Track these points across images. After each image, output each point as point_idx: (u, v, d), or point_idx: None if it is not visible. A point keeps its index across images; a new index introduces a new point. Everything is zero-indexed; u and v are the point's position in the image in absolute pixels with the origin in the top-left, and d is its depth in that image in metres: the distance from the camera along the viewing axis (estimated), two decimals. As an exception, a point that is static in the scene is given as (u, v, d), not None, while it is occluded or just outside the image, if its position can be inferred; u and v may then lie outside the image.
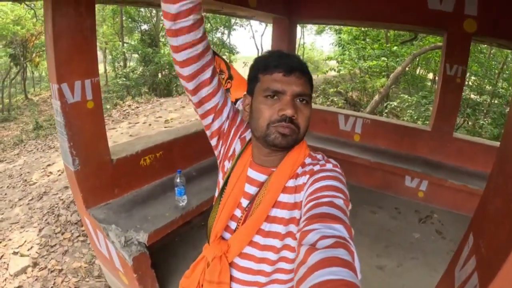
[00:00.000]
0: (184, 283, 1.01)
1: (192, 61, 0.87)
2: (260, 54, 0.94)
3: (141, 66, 12.46)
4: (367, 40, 10.18)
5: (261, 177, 0.89)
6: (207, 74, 0.91)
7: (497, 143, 3.76)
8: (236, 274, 0.91)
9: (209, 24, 15.64)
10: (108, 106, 9.18)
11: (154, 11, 13.51)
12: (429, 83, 13.09)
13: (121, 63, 13.61)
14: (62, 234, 3.22)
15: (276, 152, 0.86)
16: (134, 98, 10.32)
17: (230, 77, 3.17)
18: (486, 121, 7.30)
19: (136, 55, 13.29)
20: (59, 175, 4.63)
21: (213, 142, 1.02)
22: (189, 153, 3.00)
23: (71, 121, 1.93)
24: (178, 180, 2.31)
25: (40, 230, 3.30)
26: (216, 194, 0.97)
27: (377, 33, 10.15)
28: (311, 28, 16.31)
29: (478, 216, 1.19)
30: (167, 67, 12.71)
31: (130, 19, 13.33)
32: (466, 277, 1.03)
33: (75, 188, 2.10)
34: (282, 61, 0.82)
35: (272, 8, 3.70)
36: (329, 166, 0.85)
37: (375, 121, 4.07)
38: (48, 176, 4.67)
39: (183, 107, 8.25)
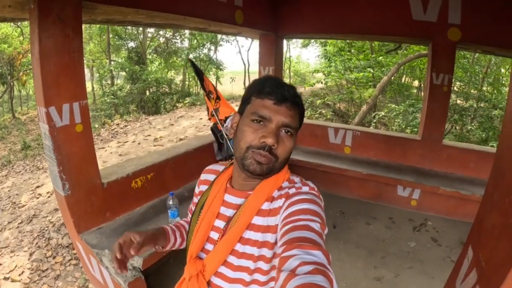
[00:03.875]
0: None
1: None
2: (256, 77, 0.97)
3: (128, 84, 12.41)
4: (352, 51, 10.35)
5: (238, 201, 0.91)
6: None
7: (486, 148, 3.83)
8: None
9: (195, 41, 15.74)
10: (96, 125, 9.11)
11: (140, 29, 13.54)
12: (414, 91, 13.33)
13: (109, 81, 13.53)
14: (54, 258, 3.16)
15: (252, 178, 0.87)
16: (122, 117, 10.24)
17: (218, 98, 3.24)
18: (474, 126, 7.42)
19: (123, 73, 13.24)
20: (48, 197, 4.55)
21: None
22: (180, 174, 2.99)
23: (60, 145, 1.89)
24: (170, 202, 2.29)
25: (31, 254, 3.23)
26: (189, 218, 1.06)
27: (362, 44, 10.35)
28: (296, 42, 16.56)
29: (476, 229, 1.20)
30: (155, 84, 12.70)
31: (117, 37, 13.33)
32: (468, 290, 1.03)
33: (66, 213, 2.05)
34: (277, 89, 0.82)
35: (258, 25, 3.74)
36: (305, 188, 0.85)
37: (365, 133, 4.10)
38: (37, 198, 4.58)
39: (172, 124, 8.24)
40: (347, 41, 10.12)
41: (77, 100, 1.92)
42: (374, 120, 9.21)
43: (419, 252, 2.95)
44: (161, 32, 14.45)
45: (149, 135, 7.29)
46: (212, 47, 16.95)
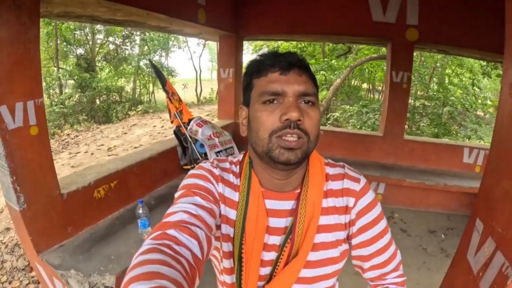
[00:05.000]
0: None
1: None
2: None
3: (77, 93, 11.68)
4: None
5: (287, 205, 0.76)
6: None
7: (445, 140, 4.04)
8: None
9: (146, 47, 15.28)
10: (44, 137, 8.46)
11: (90, 35, 12.89)
12: (364, 92, 14.00)
13: (57, 90, 12.60)
14: (10, 283, 2.84)
15: (289, 171, 0.72)
16: (72, 127, 9.73)
17: (180, 100, 3.16)
18: (426, 123, 7.91)
19: (71, 81, 12.44)
20: (-1, 214, 4.08)
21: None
22: (145, 181, 2.82)
23: (12, 151, 1.65)
24: (140, 211, 2.14)
25: (-16, 281, 2.87)
26: (225, 247, 0.77)
27: (313, 48, 10.64)
28: (247, 48, 16.63)
29: (482, 202, 1.27)
30: (105, 92, 12.13)
31: (65, 43, 12.50)
32: (487, 259, 1.10)
33: (22, 231, 1.79)
34: (277, 58, 0.69)
35: (220, 24, 3.68)
36: (363, 181, 0.78)
37: (328, 131, 4.19)
38: (-14, 217, 4.08)
39: (125, 133, 7.99)
40: (299, 46, 10.35)
41: (32, 98, 1.69)
42: (329, 122, 9.47)
43: (391, 244, 3.04)
44: (110, 39, 13.85)
45: (102, 145, 6.97)
46: (164, 54, 16.57)
